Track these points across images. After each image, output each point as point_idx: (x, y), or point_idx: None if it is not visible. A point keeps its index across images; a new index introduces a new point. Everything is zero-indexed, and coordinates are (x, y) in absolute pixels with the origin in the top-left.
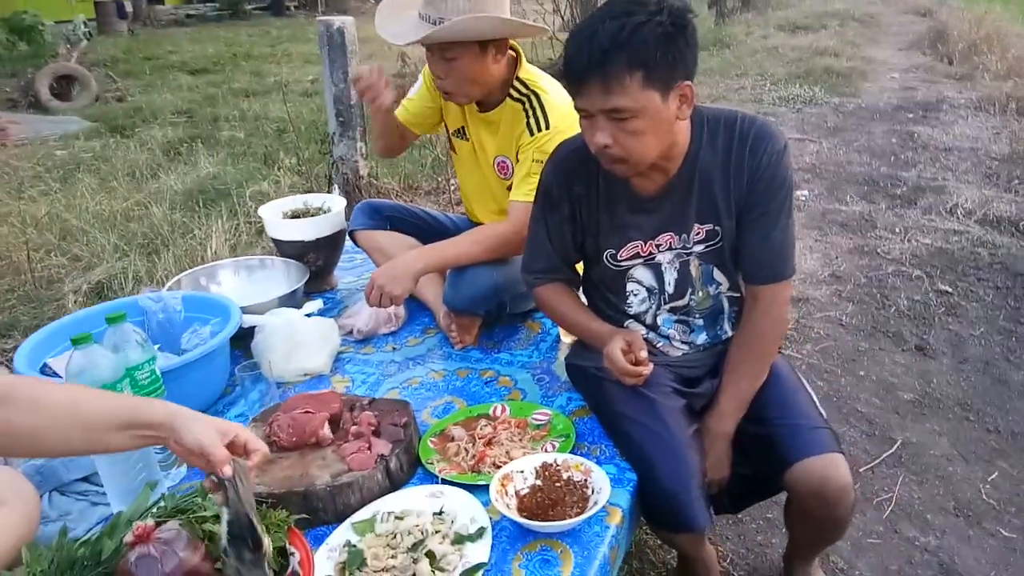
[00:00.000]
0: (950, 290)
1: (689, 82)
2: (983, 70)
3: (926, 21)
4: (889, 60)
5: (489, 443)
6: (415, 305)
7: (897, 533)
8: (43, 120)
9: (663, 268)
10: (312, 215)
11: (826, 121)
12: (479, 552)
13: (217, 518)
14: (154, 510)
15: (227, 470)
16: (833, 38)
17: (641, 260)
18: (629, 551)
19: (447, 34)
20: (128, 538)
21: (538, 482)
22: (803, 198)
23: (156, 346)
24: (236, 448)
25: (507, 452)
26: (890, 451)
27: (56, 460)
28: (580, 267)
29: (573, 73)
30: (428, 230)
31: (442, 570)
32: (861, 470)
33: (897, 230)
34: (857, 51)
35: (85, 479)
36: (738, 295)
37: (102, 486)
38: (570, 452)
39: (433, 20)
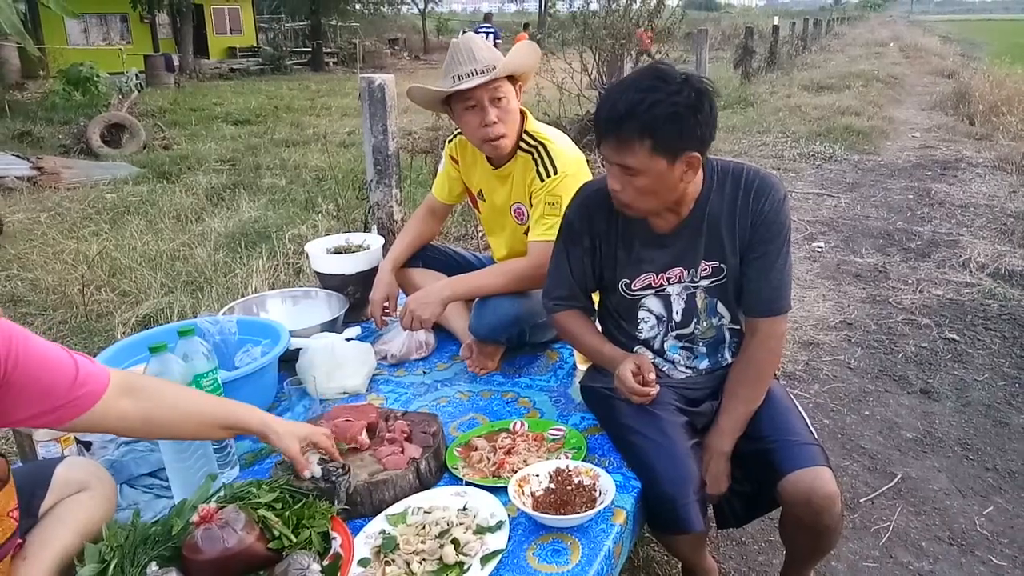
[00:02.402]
0: (958, 338)
1: (696, 153)
2: (1003, 130)
3: (950, 83)
4: (911, 120)
5: (509, 452)
6: (444, 335)
7: (892, 558)
8: (94, 166)
9: (672, 299)
10: (353, 251)
11: (845, 177)
12: (498, 541)
13: (268, 506)
14: (215, 498)
15: (305, 474)
16: (856, 98)
17: (652, 291)
18: (636, 564)
19: (516, 63)
20: (194, 518)
21: (551, 485)
22: (819, 249)
23: None
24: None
25: (524, 460)
26: (890, 484)
27: (128, 456)
28: (596, 297)
29: (597, 127)
30: (456, 267)
31: (465, 555)
32: (861, 500)
33: (909, 281)
34: (879, 111)
35: (151, 474)
36: (738, 327)
37: (166, 480)
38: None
39: (480, 71)
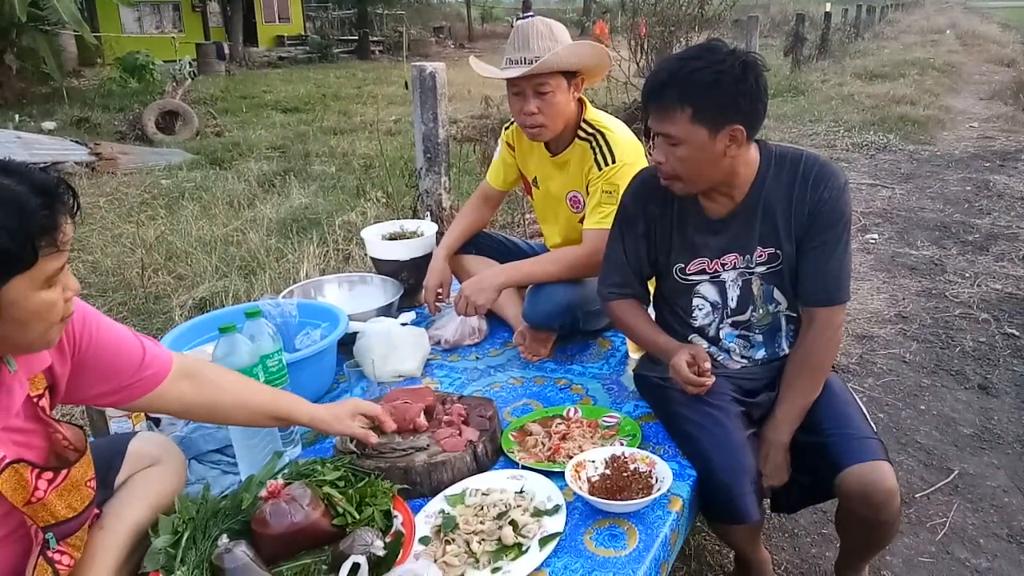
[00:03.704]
0: (1017, 333)
1: (740, 126)
2: None
3: (1009, 72)
4: (969, 109)
5: (563, 438)
6: (496, 322)
7: (949, 554)
8: (149, 152)
9: (727, 285)
10: (407, 238)
11: (899, 168)
12: (555, 524)
13: (332, 483)
14: (281, 475)
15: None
16: (911, 87)
17: (707, 277)
18: (688, 553)
19: (557, 61)
20: (262, 493)
21: (607, 471)
22: (873, 241)
23: None
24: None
25: (579, 446)
26: (946, 480)
27: (197, 433)
28: (651, 285)
29: (643, 98)
30: (508, 255)
31: (523, 536)
32: (917, 496)
33: (967, 275)
34: (935, 100)
35: (218, 451)
36: (795, 314)
37: (233, 457)
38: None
39: (529, 60)
